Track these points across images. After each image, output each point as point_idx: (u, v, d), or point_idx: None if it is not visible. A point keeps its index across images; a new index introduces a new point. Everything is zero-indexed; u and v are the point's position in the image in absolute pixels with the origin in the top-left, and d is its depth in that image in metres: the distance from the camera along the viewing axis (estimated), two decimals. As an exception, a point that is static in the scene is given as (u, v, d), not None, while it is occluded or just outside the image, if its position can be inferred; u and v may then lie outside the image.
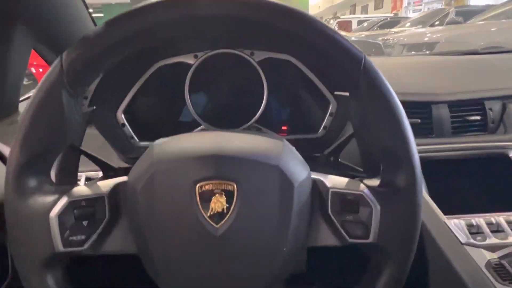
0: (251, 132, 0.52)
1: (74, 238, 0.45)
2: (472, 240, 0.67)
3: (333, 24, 12.50)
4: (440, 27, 5.92)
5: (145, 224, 0.44)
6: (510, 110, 0.90)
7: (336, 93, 0.81)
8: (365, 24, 11.48)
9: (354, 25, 12.85)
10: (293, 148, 0.50)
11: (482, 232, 0.68)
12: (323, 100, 0.85)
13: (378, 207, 0.45)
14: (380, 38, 6.32)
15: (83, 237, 0.45)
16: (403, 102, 0.88)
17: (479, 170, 0.83)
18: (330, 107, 0.85)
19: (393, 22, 9.82)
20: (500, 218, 0.70)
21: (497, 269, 0.63)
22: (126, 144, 0.85)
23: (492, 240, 0.66)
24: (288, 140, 0.51)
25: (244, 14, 0.41)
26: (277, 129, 0.87)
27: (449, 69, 1.03)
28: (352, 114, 0.48)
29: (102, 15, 13.03)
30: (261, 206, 0.43)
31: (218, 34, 0.57)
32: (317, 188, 0.48)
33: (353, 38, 4.72)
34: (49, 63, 1.02)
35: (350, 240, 0.47)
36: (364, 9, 21.85)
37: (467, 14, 6.25)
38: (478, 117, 0.90)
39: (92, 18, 1.01)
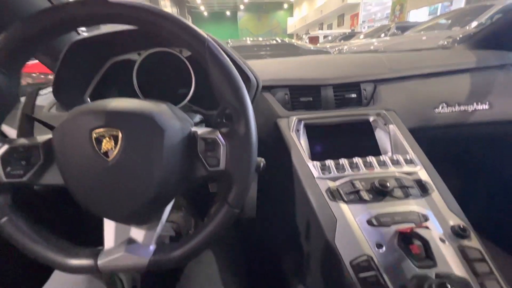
0: (152, 100, 0.61)
1: (14, 172, 0.56)
2: (321, 175, 0.86)
3: (305, 39, 14.07)
4: (382, 38, 6.47)
5: (61, 163, 0.54)
6: (378, 90, 1.10)
7: None
8: (330, 38, 12.51)
9: (321, 39, 13.84)
10: (177, 110, 0.62)
11: (330, 170, 0.87)
12: None
13: (226, 146, 0.60)
14: (337, 48, 6.77)
15: (21, 172, 0.57)
16: (301, 86, 1.14)
17: (353, 131, 1.01)
18: None
19: (351, 36, 10.60)
20: (345, 160, 0.89)
21: (333, 192, 0.82)
22: None
23: (335, 174, 0.86)
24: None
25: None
26: (206, 107, 0.99)
27: (337, 63, 1.22)
28: (208, 81, 0.60)
29: None
30: (139, 145, 0.53)
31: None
32: (194, 136, 0.62)
33: (312, 48, 5.15)
34: None
35: (210, 169, 0.60)
36: (330, 27, 24.09)
37: (405, 28, 7.03)
38: (355, 95, 1.09)
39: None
